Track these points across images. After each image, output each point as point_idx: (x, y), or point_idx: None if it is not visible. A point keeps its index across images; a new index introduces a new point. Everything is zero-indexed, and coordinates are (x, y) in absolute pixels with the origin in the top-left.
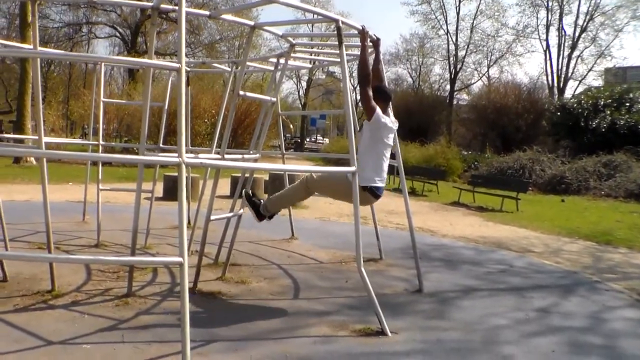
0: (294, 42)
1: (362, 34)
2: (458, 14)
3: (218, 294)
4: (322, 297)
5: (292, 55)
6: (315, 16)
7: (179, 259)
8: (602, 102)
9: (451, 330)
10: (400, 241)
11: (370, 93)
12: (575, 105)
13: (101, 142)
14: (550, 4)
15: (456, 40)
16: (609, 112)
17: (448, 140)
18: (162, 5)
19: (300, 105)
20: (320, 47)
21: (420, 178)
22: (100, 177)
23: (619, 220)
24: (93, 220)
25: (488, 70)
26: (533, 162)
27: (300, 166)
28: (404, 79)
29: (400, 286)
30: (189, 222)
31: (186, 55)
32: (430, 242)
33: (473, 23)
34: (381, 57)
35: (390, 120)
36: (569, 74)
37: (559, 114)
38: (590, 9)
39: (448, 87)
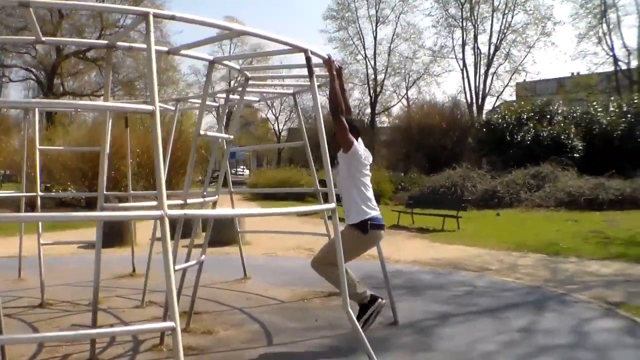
0: (249, 75)
1: (329, 63)
2: (375, 38)
3: (188, 349)
4: (298, 340)
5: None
6: (274, 46)
7: (171, 324)
8: (525, 116)
9: None
10: (355, 271)
11: (346, 124)
12: (499, 120)
13: (39, 192)
14: (465, 24)
15: (374, 64)
16: (532, 125)
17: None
18: (120, 43)
19: None
20: (275, 80)
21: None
22: (41, 230)
23: (558, 229)
24: (29, 276)
25: (407, 92)
26: (464, 179)
27: (281, 209)
28: (323, 106)
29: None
30: (133, 270)
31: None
32: (394, 269)
33: (390, 47)
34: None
35: (364, 149)
36: (487, 91)
37: (484, 130)
38: (502, 27)
39: (369, 110)
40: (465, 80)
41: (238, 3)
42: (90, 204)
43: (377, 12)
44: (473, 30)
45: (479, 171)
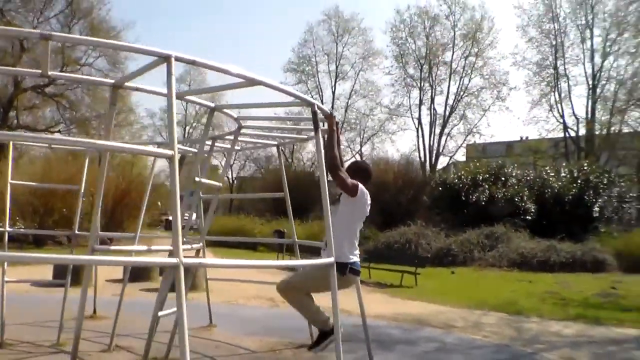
0: (243, 124)
1: (331, 118)
2: (334, 93)
3: None
4: None
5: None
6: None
7: None
8: (480, 177)
9: None
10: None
11: (345, 175)
12: (455, 180)
13: (7, 228)
14: (422, 84)
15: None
16: (487, 186)
17: None
18: (128, 84)
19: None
20: (270, 130)
21: (308, 255)
22: (6, 266)
23: (514, 289)
24: None
25: (361, 148)
26: (419, 236)
27: (278, 261)
28: (276, 157)
29: None
30: (94, 311)
31: (60, 132)
32: (352, 322)
33: (348, 102)
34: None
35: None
36: (440, 150)
37: (440, 189)
38: (458, 89)
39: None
40: (420, 139)
41: (200, 48)
42: (38, 241)
43: (337, 67)
44: (430, 90)
45: (434, 229)
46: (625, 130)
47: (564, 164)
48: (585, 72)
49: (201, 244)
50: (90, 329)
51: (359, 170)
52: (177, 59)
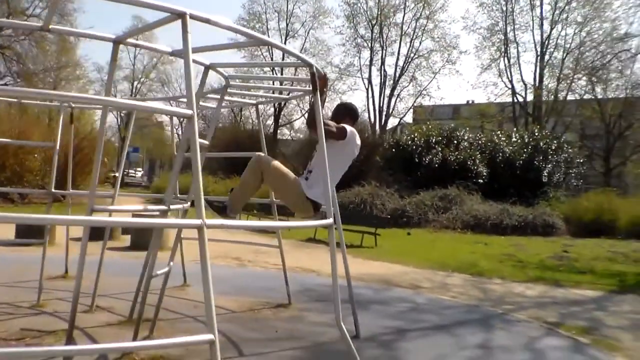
0: (231, 83)
1: (324, 79)
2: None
3: (160, 358)
4: (268, 351)
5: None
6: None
7: (210, 337)
8: (433, 140)
9: None
10: (292, 283)
11: (332, 124)
12: (409, 142)
13: None
14: (373, 45)
15: (281, 75)
16: (440, 149)
17: None
18: (130, 40)
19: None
20: (254, 90)
21: (260, 214)
22: None
23: (472, 251)
24: None
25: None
26: (373, 196)
27: (282, 223)
28: (225, 116)
29: (331, 332)
30: (66, 271)
31: (8, 85)
32: (322, 282)
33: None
34: None
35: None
36: (390, 112)
37: (393, 150)
38: (409, 52)
39: (271, 122)
40: (370, 100)
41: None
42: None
43: (287, 25)
44: (381, 51)
45: (388, 190)
46: (571, 97)
47: (515, 129)
48: (534, 39)
49: (188, 203)
50: (65, 288)
51: (347, 110)
52: (192, 17)
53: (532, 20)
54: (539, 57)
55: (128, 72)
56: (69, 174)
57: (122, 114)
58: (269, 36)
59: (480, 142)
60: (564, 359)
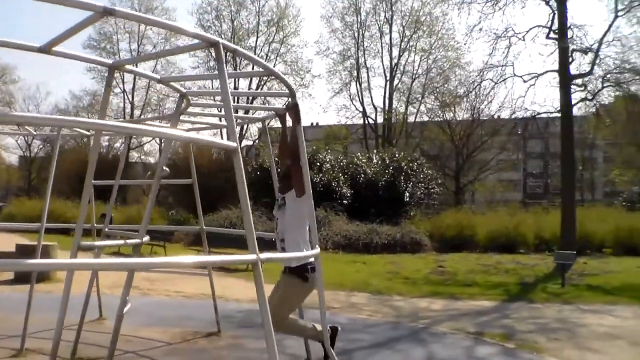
0: (192, 101)
1: (297, 109)
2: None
3: None
4: None
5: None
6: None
7: None
8: None
9: None
10: (204, 311)
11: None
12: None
13: None
14: (225, 68)
15: (132, 99)
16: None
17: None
18: (127, 67)
19: None
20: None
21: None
22: None
23: (356, 270)
24: None
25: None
26: (240, 220)
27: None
28: (69, 138)
29: (280, 358)
30: None
31: None
32: (239, 308)
33: (149, 83)
34: None
35: None
36: (244, 133)
37: (258, 173)
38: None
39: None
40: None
41: None
42: None
43: (138, 47)
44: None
45: (256, 212)
46: (422, 119)
47: (375, 151)
48: (383, 65)
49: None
50: None
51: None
52: (224, 46)
53: (382, 46)
54: (388, 82)
55: None
56: None
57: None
58: (119, 58)
59: (342, 163)
60: None
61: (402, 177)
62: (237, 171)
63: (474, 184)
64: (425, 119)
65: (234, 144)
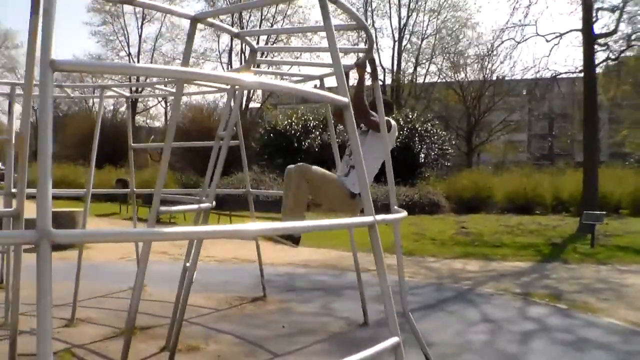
0: (256, 47)
1: (373, 65)
2: (140, 36)
3: None
4: (298, 347)
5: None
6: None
7: (397, 340)
8: (311, 124)
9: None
10: (242, 275)
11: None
12: (287, 127)
13: None
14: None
15: (138, 61)
16: (318, 133)
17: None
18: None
19: None
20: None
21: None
22: None
23: (381, 232)
24: None
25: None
26: (257, 182)
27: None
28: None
29: (335, 322)
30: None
31: None
32: (278, 272)
33: (154, 45)
34: None
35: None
36: (250, 96)
37: (271, 135)
38: (268, 37)
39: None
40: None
41: None
42: None
43: (143, 9)
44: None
45: (271, 175)
46: (431, 80)
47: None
48: (392, 25)
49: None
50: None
51: (385, 103)
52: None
53: (390, 7)
54: (396, 42)
55: None
56: None
57: None
58: (124, 20)
59: None
60: (571, 325)
61: (416, 138)
62: (349, 127)
63: (485, 144)
64: (435, 79)
65: (345, 99)
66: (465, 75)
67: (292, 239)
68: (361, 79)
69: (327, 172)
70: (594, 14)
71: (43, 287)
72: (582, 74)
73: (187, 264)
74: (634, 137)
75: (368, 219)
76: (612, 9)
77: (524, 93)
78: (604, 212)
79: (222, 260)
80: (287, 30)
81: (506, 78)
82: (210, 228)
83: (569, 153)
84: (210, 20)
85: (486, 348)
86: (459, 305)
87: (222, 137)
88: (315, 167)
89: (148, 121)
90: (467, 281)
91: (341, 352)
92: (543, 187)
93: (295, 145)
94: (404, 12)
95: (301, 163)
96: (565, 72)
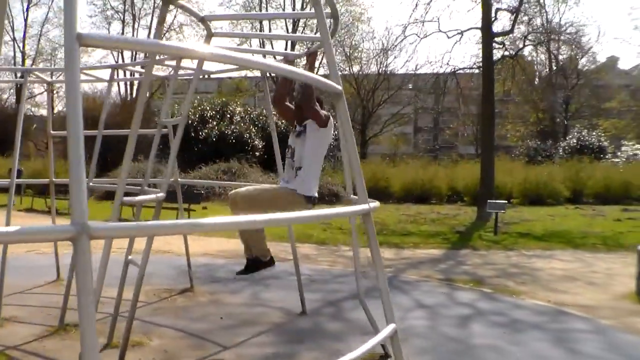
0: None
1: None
2: (26, 20)
3: None
4: (243, 339)
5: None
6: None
7: (393, 327)
8: (207, 114)
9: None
10: (163, 267)
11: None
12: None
13: None
14: (124, 16)
15: (23, 48)
16: (215, 123)
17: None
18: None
19: None
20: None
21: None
22: None
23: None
24: None
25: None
26: (155, 172)
27: (319, 211)
28: None
29: (273, 312)
30: None
31: None
32: (197, 262)
33: (41, 31)
34: None
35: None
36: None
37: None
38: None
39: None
40: (120, 74)
41: None
42: None
43: None
44: (132, 23)
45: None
46: (322, 72)
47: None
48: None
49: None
50: None
51: (318, 99)
52: None
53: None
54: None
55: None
56: None
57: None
58: (8, 3)
59: (252, 116)
60: (501, 308)
61: None
62: (342, 115)
63: (378, 136)
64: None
65: (339, 87)
66: (361, 68)
67: (269, 263)
68: (311, 68)
69: (265, 189)
70: (493, 14)
71: (84, 284)
72: (478, 70)
73: (130, 257)
74: (516, 132)
75: (363, 207)
76: (511, 10)
77: (410, 87)
78: (505, 202)
79: (138, 252)
80: (251, 16)
81: (403, 72)
82: (237, 219)
83: (453, 145)
84: (180, 2)
85: (431, 332)
86: (396, 294)
87: (164, 125)
88: (247, 193)
89: (33, 109)
90: (388, 268)
91: (290, 342)
92: (439, 177)
93: (192, 134)
94: (298, 5)
95: (232, 195)
96: (463, 68)
